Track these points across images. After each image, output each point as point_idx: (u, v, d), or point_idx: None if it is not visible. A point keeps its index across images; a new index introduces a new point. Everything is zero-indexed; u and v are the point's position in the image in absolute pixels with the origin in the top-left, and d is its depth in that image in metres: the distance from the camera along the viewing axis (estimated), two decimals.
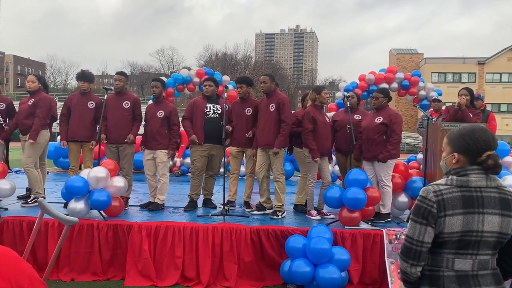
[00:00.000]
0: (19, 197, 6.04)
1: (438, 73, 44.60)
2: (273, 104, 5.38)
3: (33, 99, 5.64)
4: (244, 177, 6.05)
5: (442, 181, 1.87)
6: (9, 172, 6.81)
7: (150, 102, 6.17)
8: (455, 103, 5.56)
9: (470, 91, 5.60)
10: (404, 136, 38.51)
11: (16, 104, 6.24)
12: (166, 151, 5.63)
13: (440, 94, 10.19)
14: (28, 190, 6.07)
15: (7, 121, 6.04)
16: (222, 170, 6.66)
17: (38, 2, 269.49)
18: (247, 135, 5.65)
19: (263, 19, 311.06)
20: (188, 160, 9.60)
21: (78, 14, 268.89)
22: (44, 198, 5.81)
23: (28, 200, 5.65)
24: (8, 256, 1.24)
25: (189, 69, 11.49)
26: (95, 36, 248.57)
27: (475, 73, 44.62)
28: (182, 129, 6.07)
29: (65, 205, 5.22)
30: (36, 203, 5.55)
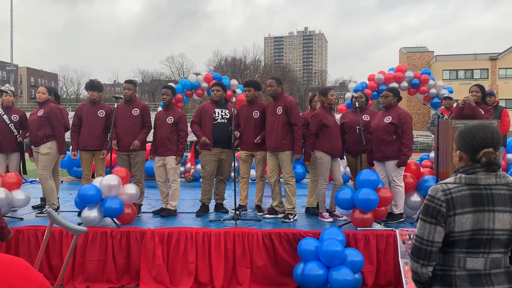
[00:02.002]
0: (34, 207, 6.13)
1: (450, 70, 44.11)
2: (280, 107, 5.38)
3: (42, 110, 5.72)
4: (255, 181, 6.05)
5: (450, 179, 1.85)
6: (23, 182, 6.92)
7: (160, 109, 6.22)
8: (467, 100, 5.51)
9: (481, 87, 5.55)
10: (416, 135, 38.15)
11: (28, 115, 6.33)
12: (176, 157, 5.66)
13: (451, 92, 10.07)
14: (43, 200, 6.16)
15: (21, 133, 6.15)
16: (232, 174, 6.67)
17: (59, 13, 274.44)
18: (255, 141, 5.65)
19: (284, 21, 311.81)
20: (199, 166, 9.64)
21: (99, 24, 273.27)
22: (59, 207, 5.89)
23: (43, 210, 5.72)
24: (18, 266, 1.26)
25: (197, 74, 11.51)
26: (115, 45, 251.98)
27: (487, 69, 44.03)
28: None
29: (79, 214, 5.28)
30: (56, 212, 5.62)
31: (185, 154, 9.68)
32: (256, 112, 5.72)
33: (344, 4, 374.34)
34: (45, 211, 5.65)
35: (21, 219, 5.39)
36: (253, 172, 6.23)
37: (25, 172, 6.44)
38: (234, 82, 11.13)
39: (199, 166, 9.67)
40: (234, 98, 5.77)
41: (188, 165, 10.31)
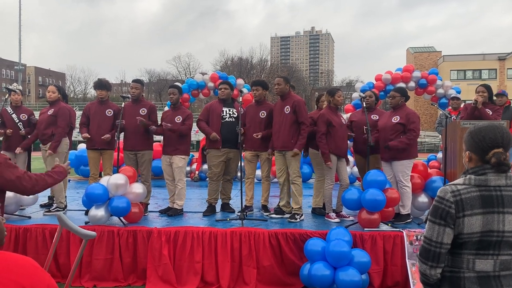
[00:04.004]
0: (41, 205, 6.17)
1: (457, 70, 43.80)
2: (288, 106, 5.37)
3: (52, 109, 5.76)
4: (261, 181, 6.04)
5: (460, 180, 1.84)
6: None
7: (167, 108, 6.22)
8: (472, 100, 5.46)
9: (487, 87, 5.50)
10: (424, 136, 37.91)
11: (36, 114, 6.38)
12: (183, 156, 5.67)
13: (458, 92, 10.01)
14: (50, 198, 6.20)
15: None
16: (239, 174, 6.67)
17: (79, 13, 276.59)
18: (254, 135, 5.58)
19: (304, 20, 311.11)
20: (205, 166, 9.65)
21: (117, 23, 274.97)
22: (66, 206, 5.92)
23: (51, 209, 5.76)
24: (26, 266, 1.26)
25: (203, 74, 11.51)
26: (131, 44, 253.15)
27: (495, 69, 43.67)
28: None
29: (86, 213, 5.31)
30: (58, 211, 5.66)
31: (191, 153, 9.74)
32: (263, 112, 5.70)
33: (366, 3, 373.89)
34: (54, 210, 5.68)
35: (29, 217, 5.42)
36: (258, 172, 6.23)
37: (29, 171, 6.49)
38: (240, 81, 11.11)
39: (205, 166, 9.70)
40: (240, 97, 5.76)
41: (194, 166, 10.31)
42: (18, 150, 5.92)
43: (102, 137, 5.67)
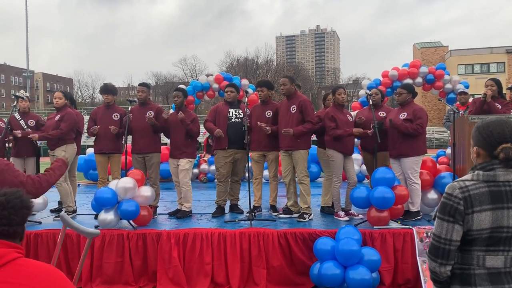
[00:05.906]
0: (51, 211, 6.22)
1: (465, 64, 43.39)
2: (294, 106, 5.36)
3: (59, 115, 5.80)
4: (268, 181, 6.03)
5: (468, 176, 1.82)
6: None
7: (172, 111, 6.24)
8: (480, 94, 5.41)
9: (496, 81, 5.44)
10: (433, 131, 37.66)
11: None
12: (189, 159, 5.68)
13: (466, 87, 9.91)
14: (60, 203, 6.24)
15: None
16: (247, 175, 6.66)
17: (94, 17, 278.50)
18: (262, 128, 5.48)
19: (320, 18, 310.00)
20: (213, 167, 9.68)
21: (130, 27, 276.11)
22: (75, 210, 5.96)
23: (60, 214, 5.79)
24: (46, 274, 1.25)
25: (209, 75, 11.51)
26: (143, 48, 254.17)
27: (504, 63, 43.19)
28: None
29: (96, 217, 5.34)
30: (69, 216, 5.70)
31: (198, 155, 9.74)
32: (269, 112, 5.70)
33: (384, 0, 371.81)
34: (58, 215, 5.71)
35: (40, 222, 5.47)
36: (266, 173, 6.22)
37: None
38: (245, 82, 11.10)
39: (212, 167, 9.72)
40: (246, 98, 5.76)
41: (202, 166, 10.34)
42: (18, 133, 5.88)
43: (109, 127, 5.69)
